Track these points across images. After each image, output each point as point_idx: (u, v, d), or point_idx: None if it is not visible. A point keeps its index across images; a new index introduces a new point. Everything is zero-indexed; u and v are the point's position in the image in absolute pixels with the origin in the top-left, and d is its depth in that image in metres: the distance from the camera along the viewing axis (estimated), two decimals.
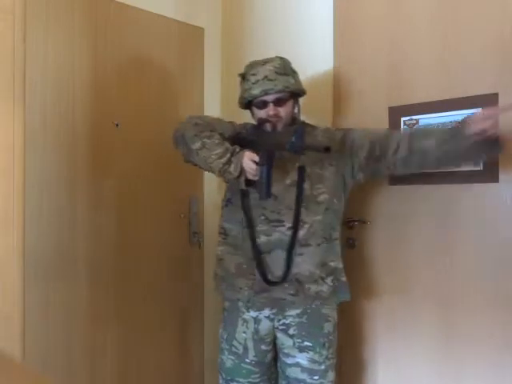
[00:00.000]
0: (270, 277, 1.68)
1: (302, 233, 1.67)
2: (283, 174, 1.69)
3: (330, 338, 1.74)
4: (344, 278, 1.76)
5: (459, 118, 1.79)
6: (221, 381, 1.82)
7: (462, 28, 1.80)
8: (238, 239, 1.74)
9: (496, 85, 1.72)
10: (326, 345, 1.72)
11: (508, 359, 1.69)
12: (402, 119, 1.93)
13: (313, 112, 2.22)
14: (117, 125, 2.13)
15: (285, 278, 1.66)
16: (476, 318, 1.76)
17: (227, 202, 1.81)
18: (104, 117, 2.09)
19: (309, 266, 1.68)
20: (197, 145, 1.62)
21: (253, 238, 1.69)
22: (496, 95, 1.72)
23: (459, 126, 1.53)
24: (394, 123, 1.95)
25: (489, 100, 1.73)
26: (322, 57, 2.18)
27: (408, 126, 1.92)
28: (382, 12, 2.01)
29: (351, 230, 2.08)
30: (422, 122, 1.89)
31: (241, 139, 1.70)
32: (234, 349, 1.76)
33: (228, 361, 1.77)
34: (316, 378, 1.70)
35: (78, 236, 2.01)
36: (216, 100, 2.56)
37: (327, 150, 1.48)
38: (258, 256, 1.68)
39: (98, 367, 2.08)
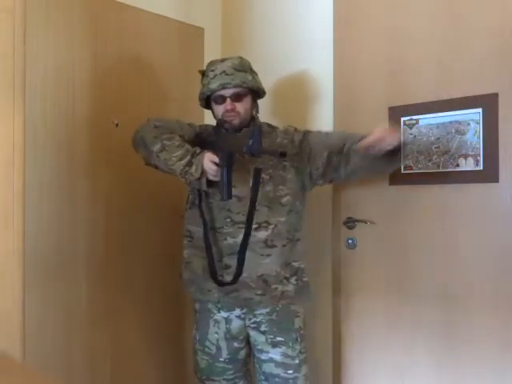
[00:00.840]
0: (231, 278, 1.68)
1: (266, 233, 1.69)
2: (247, 175, 1.70)
3: (302, 332, 1.78)
4: (306, 278, 1.79)
5: (459, 118, 1.80)
6: (197, 380, 1.85)
7: (462, 28, 1.80)
8: (204, 241, 1.74)
9: (496, 85, 1.72)
10: (299, 339, 1.76)
11: (508, 359, 1.69)
12: (402, 119, 1.93)
13: (313, 112, 2.22)
14: (117, 125, 2.13)
15: (235, 279, 1.67)
16: (476, 317, 1.76)
17: (191, 204, 1.82)
18: (104, 116, 2.09)
19: (275, 267, 1.71)
20: (157, 147, 1.65)
21: (207, 240, 1.72)
22: (496, 95, 1.72)
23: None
24: (394, 123, 1.95)
25: (489, 100, 1.73)
26: (322, 57, 2.18)
27: (408, 126, 1.92)
28: (381, 12, 2.01)
29: (351, 230, 2.08)
30: (421, 122, 1.89)
31: (201, 140, 1.74)
32: (207, 349, 1.79)
33: (202, 361, 1.81)
34: (290, 371, 1.74)
35: (77, 236, 2.01)
36: None
37: (282, 155, 1.53)
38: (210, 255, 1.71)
39: (98, 367, 2.07)
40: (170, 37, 2.34)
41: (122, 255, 2.15)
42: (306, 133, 1.82)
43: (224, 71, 1.71)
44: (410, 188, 1.92)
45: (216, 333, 1.77)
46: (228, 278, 1.69)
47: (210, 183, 1.62)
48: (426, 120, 1.88)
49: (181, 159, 1.61)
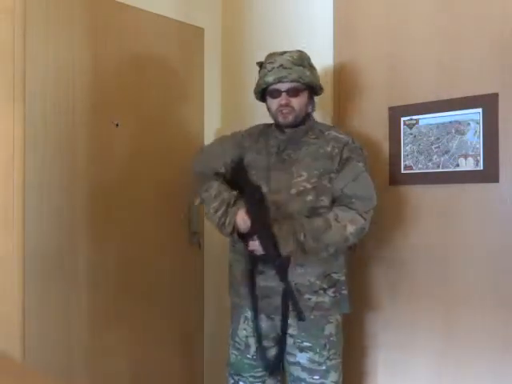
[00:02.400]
0: (265, 283, 1.70)
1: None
2: (289, 183, 1.69)
3: (332, 339, 1.73)
4: (345, 291, 1.77)
5: (459, 118, 1.80)
6: (227, 374, 1.87)
7: (462, 28, 1.80)
8: (244, 246, 1.74)
9: (496, 85, 1.72)
10: (327, 346, 1.72)
11: (508, 359, 1.69)
12: (402, 119, 1.94)
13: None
14: (117, 125, 2.13)
15: (252, 293, 1.70)
16: (476, 318, 1.76)
17: None
18: (104, 117, 2.09)
19: (309, 277, 1.69)
20: (198, 201, 1.80)
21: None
22: (496, 95, 1.72)
23: None
24: (394, 123, 1.95)
25: (489, 100, 1.73)
26: (322, 56, 2.18)
27: (408, 126, 1.92)
28: (381, 12, 2.01)
29: None
30: (421, 122, 1.89)
31: (238, 172, 1.77)
32: (237, 345, 1.81)
33: (232, 355, 1.83)
34: (316, 377, 1.71)
35: (77, 236, 2.01)
36: (216, 100, 2.56)
37: (301, 319, 1.63)
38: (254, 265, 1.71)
39: (98, 367, 2.07)
40: (170, 37, 2.34)
41: (122, 255, 2.15)
42: (350, 159, 1.71)
43: (282, 65, 1.67)
44: (410, 188, 1.92)
45: (245, 329, 1.78)
46: (260, 283, 1.69)
47: (240, 234, 1.68)
48: (426, 120, 1.88)
49: (217, 211, 1.69)
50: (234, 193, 1.71)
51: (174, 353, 2.36)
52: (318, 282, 1.69)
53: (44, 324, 1.91)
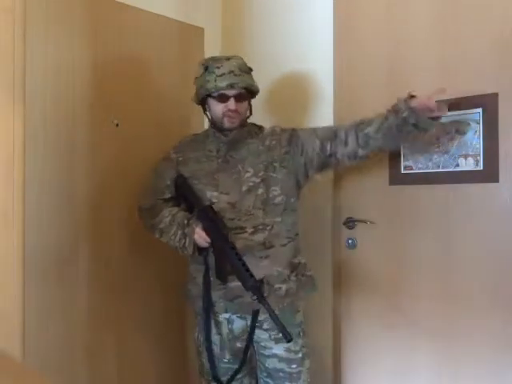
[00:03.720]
0: (235, 284, 1.68)
1: (264, 236, 1.69)
2: (237, 180, 1.73)
3: (303, 327, 1.80)
4: (310, 272, 1.80)
5: (459, 118, 1.80)
6: (203, 382, 1.85)
7: (462, 28, 1.80)
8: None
9: (496, 85, 1.72)
10: (301, 334, 1.78)
11: (508, 359, 1.69)
12: None
13: (313, 112, 2.22)
14: (117, 125, 2.13)
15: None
16: (476, 317, 1.76)
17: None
18: (104, 117, 2.09)
19: (276, 267, 1.70)
20: (157, 234, 1.82)
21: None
22: (496, 95, 1.72)
23: (396, 104, 1.68)
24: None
25: (489, 100, 1.73)
26: (322, 57, 2.18)
27: None
28: (381, 12, 2.01)
29: (351, 230, 2.08)
30: None
31: (181, 186, 1.80)
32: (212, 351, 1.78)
33: (206, 363, 1.79)
34: (294, 366, 1.75)
35: (78, 236, 2.01)
36: None
37: (289, 341, 1.59)
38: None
39: (98, 367, 2.07)
40: (170, 37, 2.34)
41: (122, 255, 2.15)
42: (294, 130, 1.83)
43: (232, 71, 1.71)
44: (409, 188, 1.92)
45: (219, 333, 1.77)
46: (230, 284, 1.68)
47: (200, 250, 1.72)
48: None
49: (175, 235, 1.73)
50: (186, 213, 1.76)
51: (174, 353, 2.35)
52: (285, 271, 1.72)
53: (44, 324, 1.91)
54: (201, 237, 1.68)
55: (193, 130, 2.41)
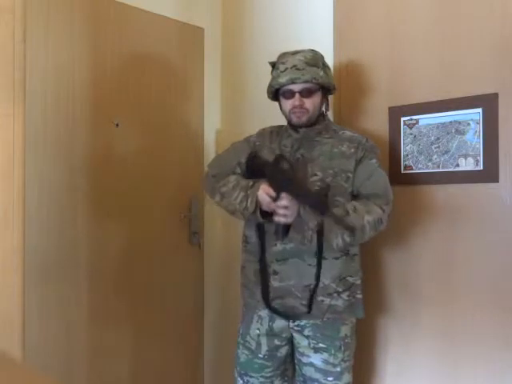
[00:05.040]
0: (279, 284, 1.68)
1: (318, 244, 1.64)
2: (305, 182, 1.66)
3: (347, 340, 1.72)
4: (360, 296, 1.74)
5: (459, 118, 1.80)
6: (236, 374, 1.84)
7: (462, 28, 1.80)
8: (257, 246, 1.72)
9: (496, 85, 1.72)
10: (342, 348, 1.70)
11: (508, 359, 1.69)
12: (402, 119, 1.93)
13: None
14: (117, 125, 2.13)
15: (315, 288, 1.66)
16: (476, 317, 1.76)
17: None
18: (104, 117, 2.09)
19: (324, 279, 1.66)
20: (217, 198, 1.73)
21: (263, 249, 1.70)
22: (496, 95, 1.72)
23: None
24: (394, 123, 1.95)
25: (489, 100, 1.73)
26: None
27: (408, 126, 1.92)
28: (382, 12, 2.01)
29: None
30: (421, 122, 1.89)
31: (254, 164, 1.68)
32: (247, 344, 1.78)
33: (242, 355, 1.79)
34: (330, 379, 1.70)
35: (77, 236, 2.01)
36: (216, 100, 2.56)
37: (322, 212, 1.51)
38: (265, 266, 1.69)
39: (98, 367, 2.08)
40: (170, 37, 2.34)
41: (122, 255, 2.15)
42: (364, 157, 1.70)
43: (295, 65, 1.65)
44: (409, 188, 1.92)
45: (258, 329, 1.75)
46: (275, 284, 1.68)
47: (264, 214, 1.60)
48: (426, 120, 1.88)
49: (236, 199, 1.64)
50: (252, 181, 1.65)
51: (174, 353, 2.35)
52: (333, 285, 1.67)
53: (44, 324, 1.91)
54: (264, 191, 1.56)
55: (193, 129, 2.42)
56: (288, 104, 1.71)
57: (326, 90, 1.75)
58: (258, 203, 1.58)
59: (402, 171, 1.93)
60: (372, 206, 1.62)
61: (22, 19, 1.84)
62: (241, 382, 1.81)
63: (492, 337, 1.73)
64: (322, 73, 1.68)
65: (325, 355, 1.69)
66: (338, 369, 1.70)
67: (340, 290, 1.68)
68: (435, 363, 1.86)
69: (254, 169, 1.66)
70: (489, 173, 1.73)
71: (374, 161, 1.71)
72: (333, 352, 1.69)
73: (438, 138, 1.85)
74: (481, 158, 1.75)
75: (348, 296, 1.69)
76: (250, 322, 1.78)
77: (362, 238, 1.63)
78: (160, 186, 2.28)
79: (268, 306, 1.69)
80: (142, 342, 2.22)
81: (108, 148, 2.11)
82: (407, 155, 1.92)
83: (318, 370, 1.70)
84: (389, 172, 1.97)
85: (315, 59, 1.69)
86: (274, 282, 1.68)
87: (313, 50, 1.73)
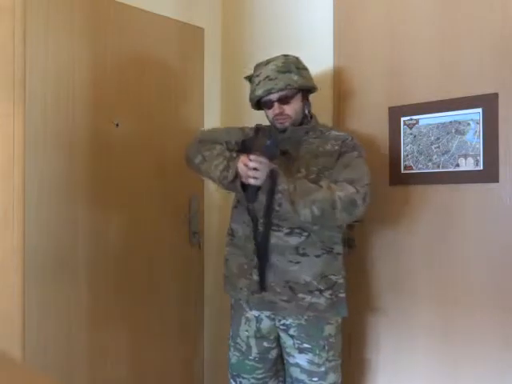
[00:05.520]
0: (258, 279, 1.68)
1: (299, 240, 1.66)
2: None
3: (331, 340, 1.73)
4: (343, 295, 1.74)
5: (459, 118, 1.80)
6: (229, 376, 1.86)
7: (462, 28, 1.80)
8: (242, 240, 1.75)
9: (496, 85, 1.72)
10: (326, 347, 1.71)
11: (508, 359, 1.69)
12: (402, 119, 1.94)
13: (313, 112, 2.22)
14: (117, 125, 2.13)
15: (262, 285, 1.67)
16: (476, 317, 1.76)
17: (236, 203, 1.83)
18: (104, 117, 2.09)
19: (304, 276, 1.67)
20: (198, 159, 1.72)
21: (256, 238, 1.69)
22: (496, 95, 1.72)
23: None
24: (394, 123, 1.95)
25: (489, 100, 1.73)
26: (322, 57, 2.18)
27: (408, 126, 1.92)
28: (382, 12, 2.01)
29: (351, 230, 2.08)
30: (421, 122, 1.89)
31: (245, 146, 1.74)
32: (238, 346, 1.80)
33: (233, 357, 1.82)
34: (315, 379, 1.71)
35: (77, 236, 2.01)
36: (216, 100, 2.56)
37: (284, 153, 1.54)
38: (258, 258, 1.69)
39: (98, 367, 2.08)
40: (170, 37, 2.34)
41: (122, 255, 2.15)
42: (344, 152, 1.71)
43: (268, 76, 1.69)
44: (410, 188, 1.92)
45: (246, 330, 1.77)
46: (255, 277, 1.69)
47: (245, 187, 1.61)
48: (426, 120, 1.88)
49: (218, 166, 1.65)
50: (235, 153, 1.68)
51: (174, 353, 2.36)
52: (314, 282, 1.67)
53: (44, 324, 1.91)
54: (242, 161, 1.56)
55: (193, 129, 2.42)
56: (270, 113, 1.76)
57: (305, 91, 1.77)
58: (237, 174, 1.59)
59: (402, 171, 1.93)
60: (345, 185, 1.60)
61: (22, 19, 1.84)
62: (233, 383, 1.83)
63: (491, 337, 1.73)
64: (296, 77, 1.71)
65: (309, 355, 1.70)
66: (323, 369, 1.71)
67: (322, 288, 1.68)
68: (435, 363, 1.86)
69: (244, 148, 1.70)
70: (489, 173, 1.73)
71: (354, 153, 1.71)
72: (317, 352, 1.70)
73: (438, 138, 1.85)
74: (481, 158, 1.75)
75: (330, 295, 1.69)
76: (238, 323, 1.80)
77: (332, 216, 1.57)
78: (160, 185, 2.28)
79: (263, 287, 1.69)
80: (141, 342, 2.22)
81: (108, 148, 2.10)
82: (407, 155, 1.92)
83: (303, 370, 1.71)
84: (389, 172, 1.97)
85: (287, 65, 1.72)
86: (255, 276, 1.69)
87: (285, 55, 1.75)
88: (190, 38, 2.44)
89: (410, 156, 1.92)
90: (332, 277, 1.70)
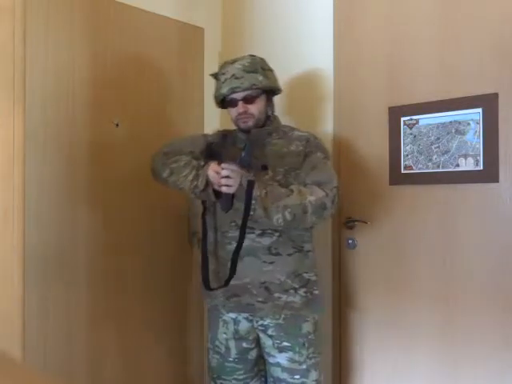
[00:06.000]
0: (235, 282, 1.67)
1: (271, 240, 1.68)
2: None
3: (310, 337, 1.74)
4: (317, 292, 1.75)
5: (459, 118, 1.80)
6: (209, 379, 1.86)
7: (462, 28, 1.80)
8: (213, 246, 1.75)
9: (496, 85, 1.72)
10: (306, 344, 1.72)
11: (508, 359, 1.70)
12: (402, 119, 1.94)
13: (313, 112, 2.22)
14: (117, 125, 2.13)
15: (226, 283, 1.66)
16: (476, 317, 1.76)
17: (204, 209, 1.80)
18: (104, 117, 2.09)
19: (279, 275, 1.68)
20: (166, 173, 1.70)
21: (204, 247, 1.73)
22: (496, 95, 1.72)
23: None
24: (394, 123, 1.95)
25: (489, 100, 1.73)
26: (322, 57, 2.18)
27: (408, 126, 1.93)
28: (382, 12, 2.01)
29: (351, 230, 2.08)
30: (421, 122, 1.89)
31: (210, 151, 1.73)
32: (217, 348, 1.80)
33: (213, 360, 1.82)
34: (297, 377, 1.72)
35: (77, 236, 2.01)
36: None
37: (264, 168, 1.54)
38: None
39: (98, 367, 2.08)
40: (170, 37, 2.34)
41: (122, 255, 2.15)
42: (310, 152, 1.72)
43: (234, 74, 1.70)
44: (409, 188, 1.92)
45: (224, 333, 1.78)
46: (231, 282, 1.68)
47: (218, 195, 1.61)
48: (426, 120, 1.88)
49: (187, 176, 1.64)
50: (203, 161, 1.68)
51: (174, 353, 2.35)
52: (288, 281, 1.69)
53: (44, 324, 1.91)
54: (213, 169, 1.58)
55: (193, 129, 2.42)
56: (233, 112, 1.76)
57: (270, 92, 1.78)
58: (208, 182, 1.60)
59: (402, 171, 1.93)
60: (315, 189, 1.62)
61: (21, 19, 1.84)
62: None
63: (491, 337, 1.73)
64: (261, 78, 1.72)
65: (290, 354, 1.71)
66: (304, 366, 1.72)
67: (296, 286, 1.70)
68: (435, 363, 1.86)
69: (212, 153, 1.69)
70: (489, 173, 1.73)
71: (319, 154, 1.73)
72: (297, 350, 1.71)
73: (438, 138, 1.85)
74: (481, 158, 1.75)
75: (305, 292, 1.71)
76: (216, 327, 1.80)
77: (303, 219, 1.59)
78: (160, 185, 2.28)
79: (208, 287, 1.70)
80: (142, 342, 2.22)
81: (108, 148, 2.10)
82: (407, 155, 1.92)
83: (284, 369, 1.72)
84: (389, 172, 1.97)
85: (253, 65, 1.73)
86: (232, 281, 1.68)
87: (251, 56, 1.77)
88: (190, 37, 2.44)
89: (410, 156, 1.92)
90: (305, 274, 1.73)
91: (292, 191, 1.59)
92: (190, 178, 1.63)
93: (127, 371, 2.17)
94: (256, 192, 1.55)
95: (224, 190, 1.56)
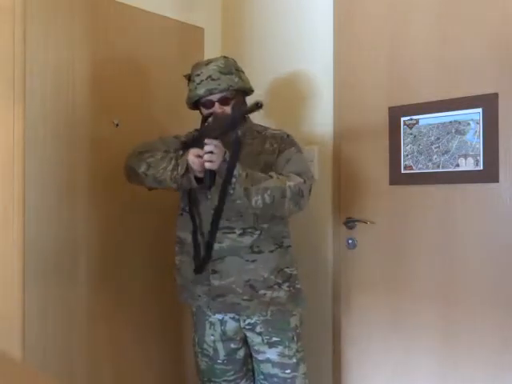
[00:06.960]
0: (220, 282, 1.67)
1: (252, 239, 1.68)
2: None
3: (298, 331, 1.77)
4: (299, 285, 1.77)
5: (459, 118, 1.80)
6: (199, 382, 1.86)
7: (462, 28, 1.80)
8: (191, 247, 1.73)
9: (496, 85, 1.72)
10: (295, 338, 1.75)
11: (508, 359, 1.70)
12: (402, 119, 1.94)
13: (313, 112, 2.22)
14: (117, 125, 2.13)
15: (208, 257, 1.65)
16: (476, 317, 1.76)
17: (181, 210, 1.81)
18: (104, 117, 2.09)
19: (263, 272, 1.69)
20: (143, 167, 1.68)
21: (196, 240, 1.71)
22: (496, 95, 1.72)
23: None
24: (394, 123, 1.95)
25: (489, 100, 1.73)
26: (322, 56, 2.18)
27: (408, 126, 1.93)
28: (381, 12, 2.01)
29: (351, 230, 2.08)
30: (421, 122, 1.89)
31: (187, 146, 1.71)
32: (205, 351, 1.80)
33: (202, 363, 1.82)
34: (288, 371, 1.73)
35: (77, 235, 2.01)
36: None
37: (258, 105, 1.42)
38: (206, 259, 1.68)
39: (98, 367, 2.07)
40: (170, 37, 2.34)
41: (122, 254, 2.15)
42: (283, 149, 1.73)
43: (210, 76, 1.70)
44: (409, 188, 1.92)
45: (212, 335, 1.78)
46: (215, 282, 1.68)
47: (199, 181, 1.59)
48: (426, 120, 1.88)
49: (167, 167, 1.62)
50: (181, 151, 1.66)
51: (174, 353, 2.35)
52: (272, 277, 1.70)
53: (44, 324, 1.91)
54: (193, 154, 1.54)
55: (193, 129, 2.42)
56: (208, 113, 1.74)
57: (243, 93, 1.79)
58: (189, 169, 1.56)
59: (402, 171, 1.93)
60: (293, 176, 1.63)
61: (21, 19, 1.84)
62: None
63: (492, 337, 1.73)
64: (236, 79, 1.73)
65: (280, 348, 1.72)
66: (294, 360, 1.73)
67: (280, 281, 1.71)
68: (434, 363, 1.86)
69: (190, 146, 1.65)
70: (489, 173, 1.73)
71: (292, 148, 1.74)
72: (287, 344, 1.72)
73: (438, 138, 1.85)
74: (481, 158, 1.75)
75: (288, 287, 1.73)
76: (203, 329, 1.80)
77: (281, 204, 1.59)
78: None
79: (200, 269, 1.69)
80: (142, 342, 2.22)
81: (108, 148, 2.10)
82: (407, 155, 1.92)
83: (274, 364, 1.73)
84: (389, 172, 1.97)
85: (228, 67, 1.74)
86: (215, 281, 1.69)
87: (225, 57, 1.77)
88: (190, 37, 2.44)
89: (410, 156, 1.92)
90: (287, 269, 1.74)
91: (271, 176, 1.60)
92: (170, 167, 1.60)
93: (127, 371, 2.17)
94: (237, 171, 1.53)
95: (207, 165, 1.52)
